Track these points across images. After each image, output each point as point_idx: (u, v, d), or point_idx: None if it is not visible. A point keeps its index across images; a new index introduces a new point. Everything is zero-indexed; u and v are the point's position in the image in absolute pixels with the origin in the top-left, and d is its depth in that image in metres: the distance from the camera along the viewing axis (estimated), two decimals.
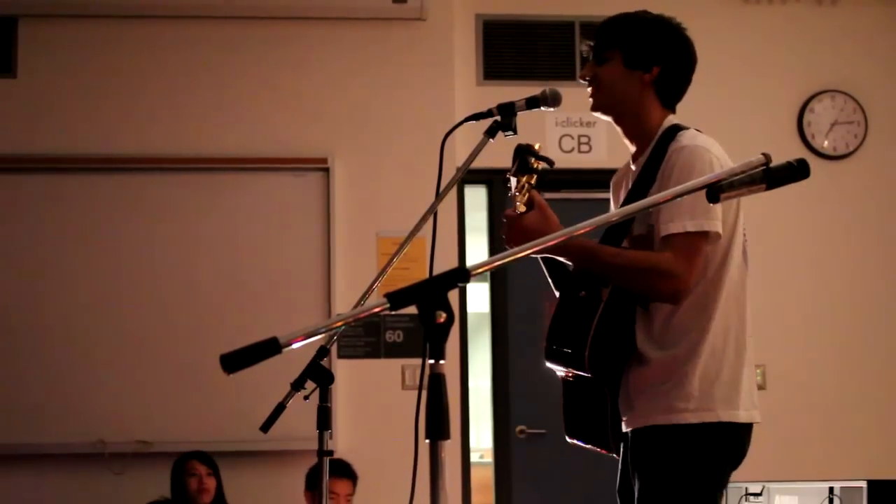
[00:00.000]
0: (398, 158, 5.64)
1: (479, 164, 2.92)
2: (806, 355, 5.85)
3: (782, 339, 5.73)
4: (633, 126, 2.86)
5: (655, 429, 2.69)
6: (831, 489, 4.78)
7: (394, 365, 5.56)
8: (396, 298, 1.74)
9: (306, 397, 2.71)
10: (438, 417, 1.72)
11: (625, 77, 2.82)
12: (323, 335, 1.90)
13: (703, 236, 2.63)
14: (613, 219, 2.01)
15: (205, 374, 5.15)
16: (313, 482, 4.87)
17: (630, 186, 2.80)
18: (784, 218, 5.77)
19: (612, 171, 3.05)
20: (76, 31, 5.62)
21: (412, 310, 1.73)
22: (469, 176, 3.34)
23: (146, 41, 5.64)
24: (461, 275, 1.74)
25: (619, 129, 2.90)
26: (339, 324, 1.86)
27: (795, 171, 1.87)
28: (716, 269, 2.70)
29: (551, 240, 1.99)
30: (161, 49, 5.64)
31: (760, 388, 2.83)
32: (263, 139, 5.60)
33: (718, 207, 2.58)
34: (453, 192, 5.20)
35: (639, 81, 2.82)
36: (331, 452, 2.77)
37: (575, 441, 2.85)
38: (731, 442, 2.70)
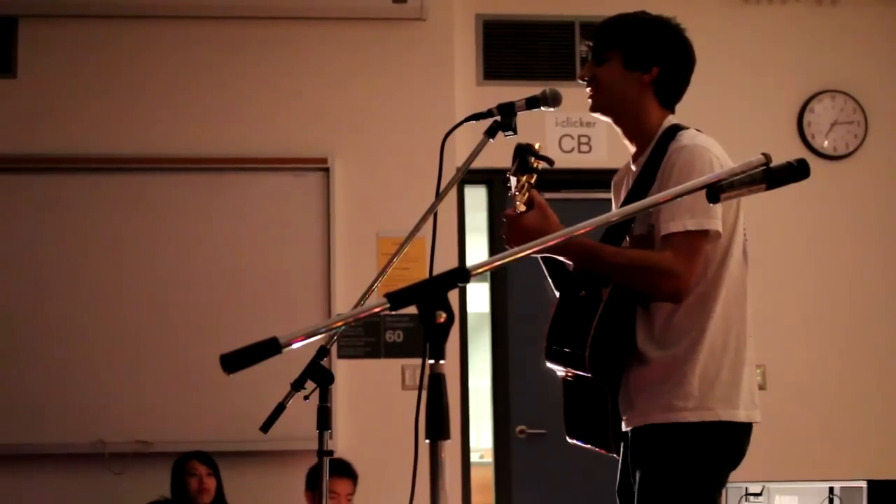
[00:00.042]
0: (398, 158, 5.64)
1: (479, 164, 2.92)
2: (806, 355, 5.85)
3: (782, 339, 5.73)
4: (632, 126, 2.86)
5: (655, 427, 2.69)
6: (831, 489, 4.78)
7: (394, 365, 5.56)
8: (396, 298, 1.74)
9: (306, 397, 2.71)
10: (438, 417, 1.71)
11: (624, 77, 2.82)
12: (323, 335, 1.90)
13: (704, 235, 2.64)
14: (613, 219, 2.01)
15: (205, 374, 5.15)
16: (314, 482, 4.87)
17: (630, 186, 2.80)
18: (784, 218, 5.77)
19: (612, 171, 3.06)
20: (76, 31, 5.62)
21: (412, 310, 1.73)
22: (469, 176, 3.34)
23: (146, 41, 5.64)
24: (461, 275, 1.74)
25: (618, 129, 2.90)
26: (339, 324, 1.86)
27: (795, 171, 1.87)
28: (716, 269, 2.70)
29: (551, 240, 1.99)
30: (161, 49, 5.64)
31: (760, 387, 2.83)
32: (263, 139, 5.60)
33: (719, 206, 2.58)
34: (453, 192, 5.21)
35: (638, 82, 2.82)
36: (331, 452, 2.77)
37: (575, 441, 2.85)
38: (730, 441, 2.70)
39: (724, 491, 2.76)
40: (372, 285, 2.93)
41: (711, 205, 2.42)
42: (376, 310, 1.77)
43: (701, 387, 2.66)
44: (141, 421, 5.30)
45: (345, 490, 5.05)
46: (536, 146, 2.72)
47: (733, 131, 4.89)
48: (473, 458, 5.90)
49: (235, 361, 1.70)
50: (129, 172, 5.49)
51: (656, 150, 2.76)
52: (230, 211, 5.50)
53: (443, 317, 1.71)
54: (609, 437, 2.76)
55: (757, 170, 1.86)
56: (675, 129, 2.79)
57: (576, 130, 5.88)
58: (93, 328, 5.36)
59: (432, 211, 2.85)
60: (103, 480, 5.31)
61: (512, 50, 5.91)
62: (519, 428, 5.76)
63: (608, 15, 2.92)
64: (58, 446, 5.28)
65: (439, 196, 2.86)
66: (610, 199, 3.03)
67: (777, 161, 1.87)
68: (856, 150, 6.02)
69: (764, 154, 1.87)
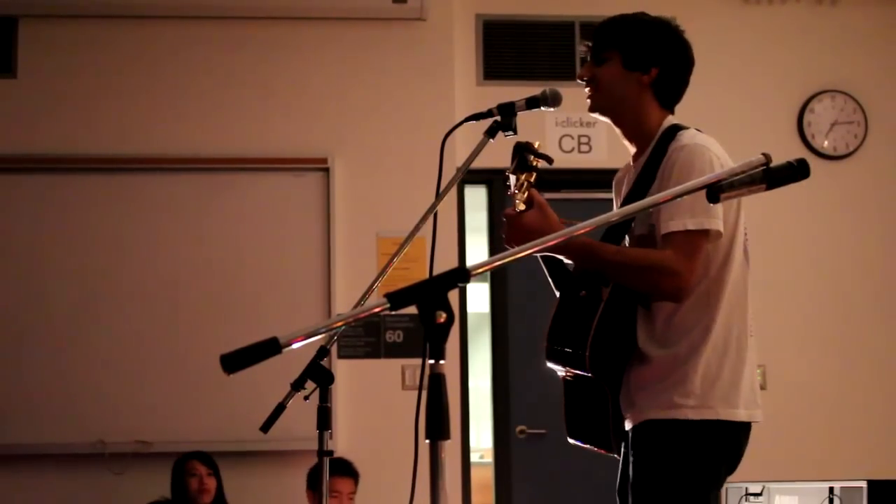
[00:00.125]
0: (398, 158, 5.64)
1: (479, 164, 2.93)
2: (806, 355, 5.85)
3: (782, 339, 5.73)
4: (631, 127, 2.86)
5: (655, 423, 2.69)
6: (831, 489, 4.77)
7: (394, 365, 5.56)
8: (396, 298, 1.74)
9: (306, 397, 2.71)
10: (438, 417, 1.71)
11: (623, 78, 2.83)
12: (323, 335, 1.90)
13: (704, 234, 2.64)
14: (613, 219, 2.01)
15: (205, 374, 5.15)
16: (315, 481, 4.87)
17: (630, 186, 2.81)
18: (784, 218, 5.77)
19: (611, 171, 3.06)
20: (76, 31, 5.62)
21: (412, 310, 1.73)
22: (469, 176, 3.34)
23: (146, 41, 5.64)
24: (461, 275, 1.74)
25: (617, 130, 2.90)
26: (339, 324, 1.86)
27: (795, 171, 1.87)
28: (718, 268, 2.70)
29: (552, 239, 1.99)
30: (161, 49, 5.64)
31: (761, 387, 2.83)
32: (263, 139, 5.60)
33: (719, 206, 2.58)
34: (453, 192, 5.22)
35: (637, 83, 2.82)
36: (331, 452, 2.77)
37: (576, 442, 2.85)
38: (728, 441, 2.70)
39: (724, 491, 2.77)
40: (372, 285, 2.93)
41: (712, 204, 2.43)
42: (376, 310, 1.77)
43: (703, 385, 2.67)
44: (141, 421, 5.30)
45: (346, 489, 5.05)
46: (536, 144, 2.72)
47: (733, 131, 4.89)
48: (473, 458, 5.90)
49: (235, 361, 1.70)
50: (129, 172, 5.49)
51: (656, 149, 2.76)
52: (230, 211, 5.50)
53: (443, 317, 1.71)
54: (610, 437, 2.77)
55: (757, 170, 1.86)
56: (675, 128, 2.79)
57: (576, 130, 5.88)
58: (93, 328, 5.36)
59: (432, 211, 2.85)
60: (103, 480, 5.31)
61: (512, 50, 5.91)
62: (519, 428, 5.76)
63: (608, 15, 2.92)
64: (58, 446, 5.28)
65: (439, 196, 2.86)
66: (610, 199, 3.03)
67: (777, 161, 1.87)
68: (856, 150, 6.02)
69: (764, 154, 1.87)
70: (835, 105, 6.01)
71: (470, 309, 5.96)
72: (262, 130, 5.60)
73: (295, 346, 1.73)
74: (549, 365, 2.82)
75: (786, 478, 5.11)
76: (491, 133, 2.87)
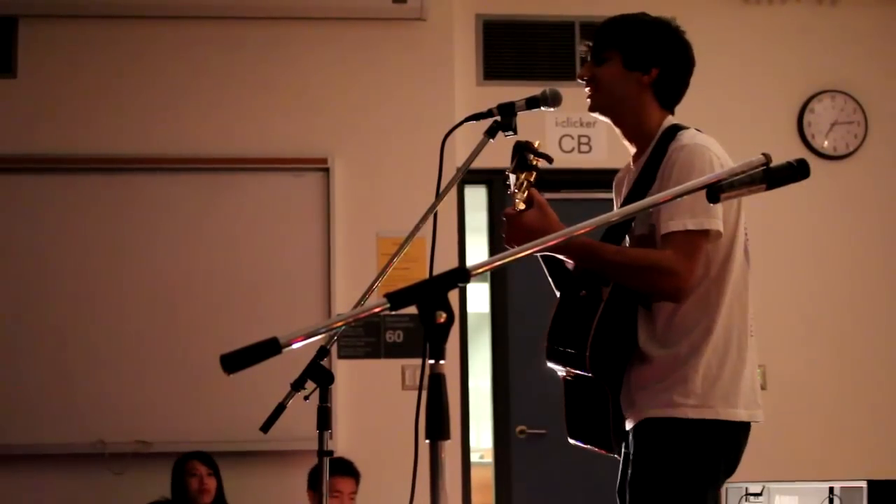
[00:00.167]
0: (398, 158, 5.64)
1: (479, 164, 2.93)
2: (806, 355, 5.85)
3: (782, 339, 5.73)
4: (631, 127, 2.87)
5: (654, 421, 2.70)
6: (831, 489, 4.78)
7: (394, 365, 5.56)
8: (396, 298, 1.74)
9: (306, 397, 2.71)
10: (438, 417, 1.71)
11: (623, 78, 2.83)
12: (323, 335, 1.90)
13: (704, 234, 2.64)
14: (613, 219, 2.01)
15: (205, 374, 5.15)
16: (316, 481, 4.87)
17: (630, 186, 2.81)
18: (784, 218, 5.77)
19: (612, 171, 3.06)
20: (76, 31, 5.62)
21: (412, 310, 1.73)
22: (469, 176, 3.34)
23: (146, 41, 5.64)
24: (461, 275, 1.74)
25: (617, 130, 2.90)
26: (339, 324, 1.86)
27: (795, 171, 1.87)
28: (719, 268, 2.70)
29: (552, 239, 1.98)
30: (161, 49, 5.64)
31: (761, 387, 2.82)
32: (263, 139, 5.60)
33: (719, 206, 2.58)
34: (453, 192, 5.21)
35: (637, 83, 2.83)
36: (331, 452, 2.77)
37: (577, 442, 2.85)
38: (727, 440, 2.70)
39: (724, 491, 2.77)
40: (372, 285, 2.93)
41: (712, 204, 2.43)
42: (376, 310, 1.77)
43: (703, 385, 2.67)
44: (141, 421, 5.30)
45: (348, 488, 5.05)
46: (535, 143, 2.72)
47: (733, 131, 4.88)
48: (473, 458, 5.90)
49: (235, 361, 1.70)
50: (129, 172, 5.49)
51: (656, 149, 2.76)
52: (230, 211, 5.50)
53: (443, 317, 1.71)
54: (610, 438, 2.77)
55: (757, 170, 1.86)
56: (676, 128, 2.79)
57: (576, 130, 5.88)
58: (93, 328, 5.36)
59: (432, 211, 2.85)
60: (103, 480, 5.31)
61: (512, 50, 5.91)
62: (519, 428, 5.76)
63: (608, 15, 2.93)
64: (58, 446, 5.28)
65: (439, 196, 2.86)
66: (610, 199, 3.03)
67: (777, 161, 1.87)
68: (856, 150, 6.02)
69: (764, 154, 1.87)
70: (835, 105, 6.01)
71: (470, 309, 5.95)
72: (262, 130, 5.60)
73: (295, 346, 1.73)
74: (550, 365, 2.82)
75: (786, 478, 5.11)
76: (491, 133, 2.87)
